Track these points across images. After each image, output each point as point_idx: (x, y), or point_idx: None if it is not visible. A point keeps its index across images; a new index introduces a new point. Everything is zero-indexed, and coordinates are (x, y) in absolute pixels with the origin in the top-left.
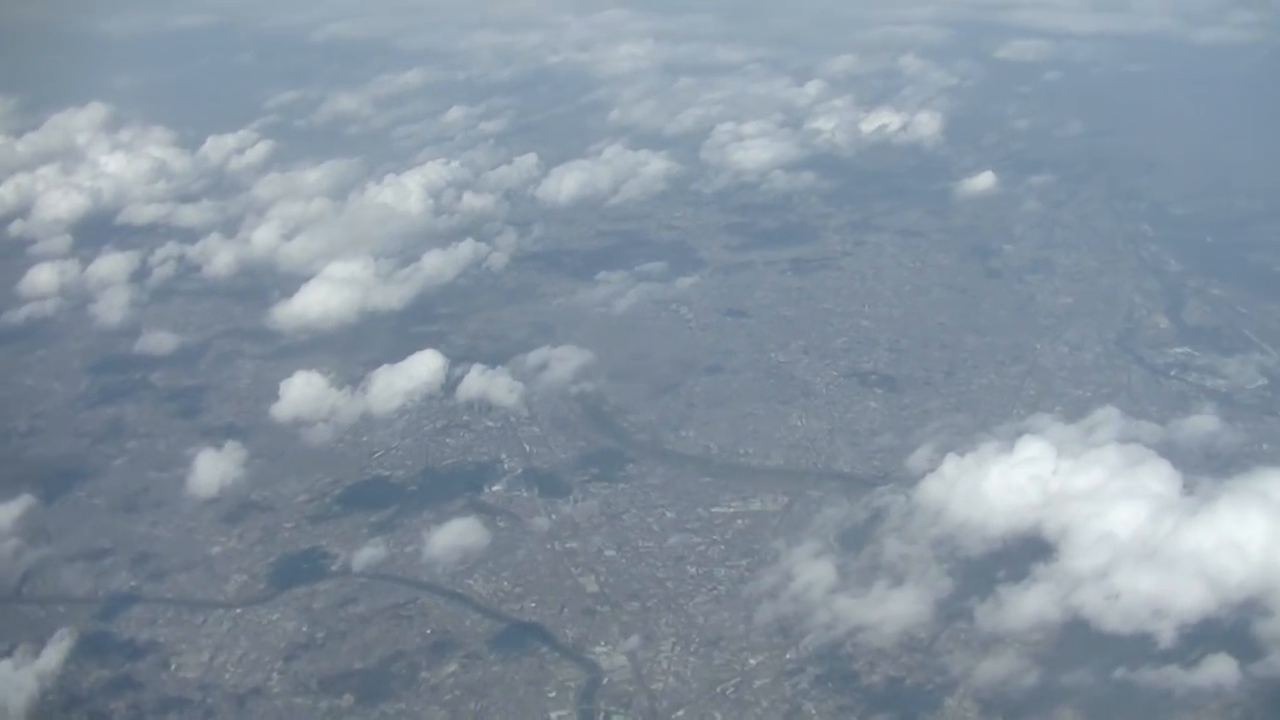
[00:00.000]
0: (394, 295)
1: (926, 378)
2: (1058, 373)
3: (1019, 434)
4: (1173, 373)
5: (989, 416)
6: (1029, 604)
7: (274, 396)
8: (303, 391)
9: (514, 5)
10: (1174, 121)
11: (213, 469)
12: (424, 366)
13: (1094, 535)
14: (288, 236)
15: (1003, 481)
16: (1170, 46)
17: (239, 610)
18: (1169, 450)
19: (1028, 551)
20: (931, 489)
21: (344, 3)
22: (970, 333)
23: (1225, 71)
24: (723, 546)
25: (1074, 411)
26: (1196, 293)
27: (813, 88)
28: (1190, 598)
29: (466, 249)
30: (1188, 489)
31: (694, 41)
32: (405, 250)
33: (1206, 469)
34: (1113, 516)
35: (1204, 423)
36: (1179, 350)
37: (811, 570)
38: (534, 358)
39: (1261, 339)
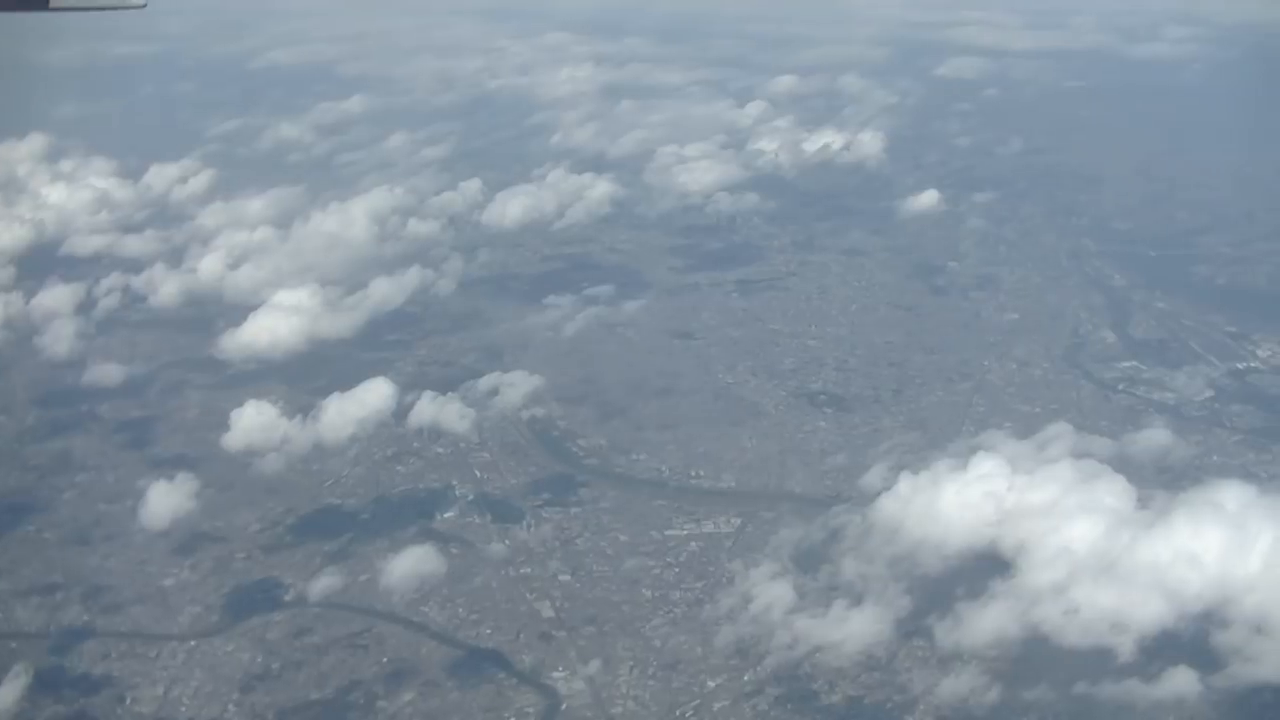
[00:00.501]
0: (343, 323)
1: (875, 396)
2: (1006, 389)
3: (972, 451)
4: (1121, 387)
5: (939, 434)
6: (988, 620)
7: (224, 426)
8: (253, 421)
9: (452, 30)
10: (1113, 137)
11: (164, 500)
12: (375, 394)
13: (1051, 551)
14: (234, 266)
15: (958, 499)
16: (1107, 62)
17: (194, 642)
18: (1122, 464)
19: (985, 568)
20: (887, 508)
21: (283, 30)
22: (918, 350)
23: (1162, 87)
24: (677, 569)
25: (1024, 428)
26: (1141, 307)
27: (754, 109)
28: (1149, 611)
29: (414, 275)
30: (1142, 503)
31: (634, 64)
32: (352, 278)
33: (1159, 482)
34: (1069, 532)
35: (1156, 436)
36: (1126, 364)
37: (768, 591)
38: (485, 383)
39: (1207, 351)
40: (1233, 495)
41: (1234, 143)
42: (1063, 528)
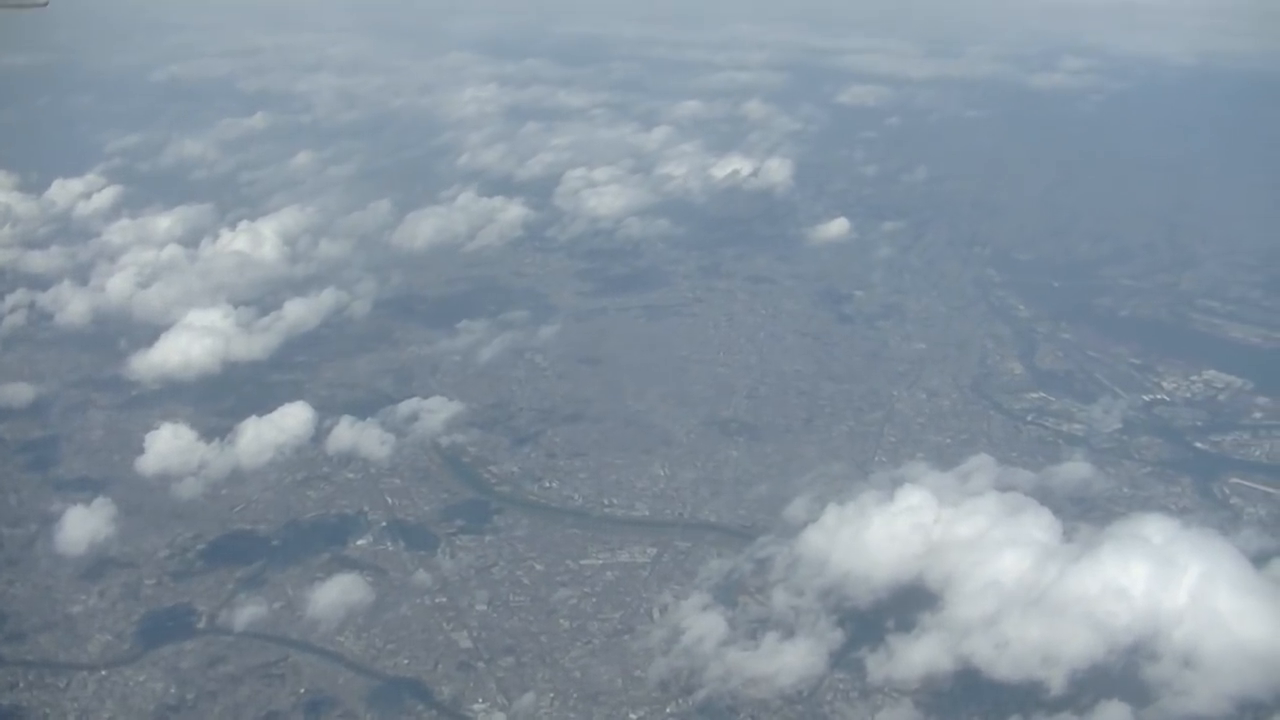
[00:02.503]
0: (256, 344)
1: (787, 425)
2: (916, 419)
3: (892, 483)
4: (1030, 418)
5: (854, 464)
6: (919, 653)
7: (133, 448)
8: (167, 444)
9: (350, 48)
10: (1014, 167)
11: (70, 524)
12: (293, 419)
13: (979, 583)
14: (143, 284)
15: (886, 531)
16: (1006, 92)
17: (104, 672)
18: (1042, 496)
19: (914, 601)
20: (814, 539)
21: (178, 43)
22: (827, 379)
23: (1061, 117)
24: (594, 599)
25: (937, 458)
26: (1047, 338)
27: (660, 133)
28: (1079, 644)
29: (329, 297)
30: (1067, 535)
31: (537, 85)
32: (264, 298)
33: (1075, 514)
34: (997, 564)
35: (1076, 469)
36: (1034, 395)
37: (697, 622)
38: (404, 409)
39: (1113, 383)
40: (1158, 528)
41: (1132, 174)
42: (990, 560)
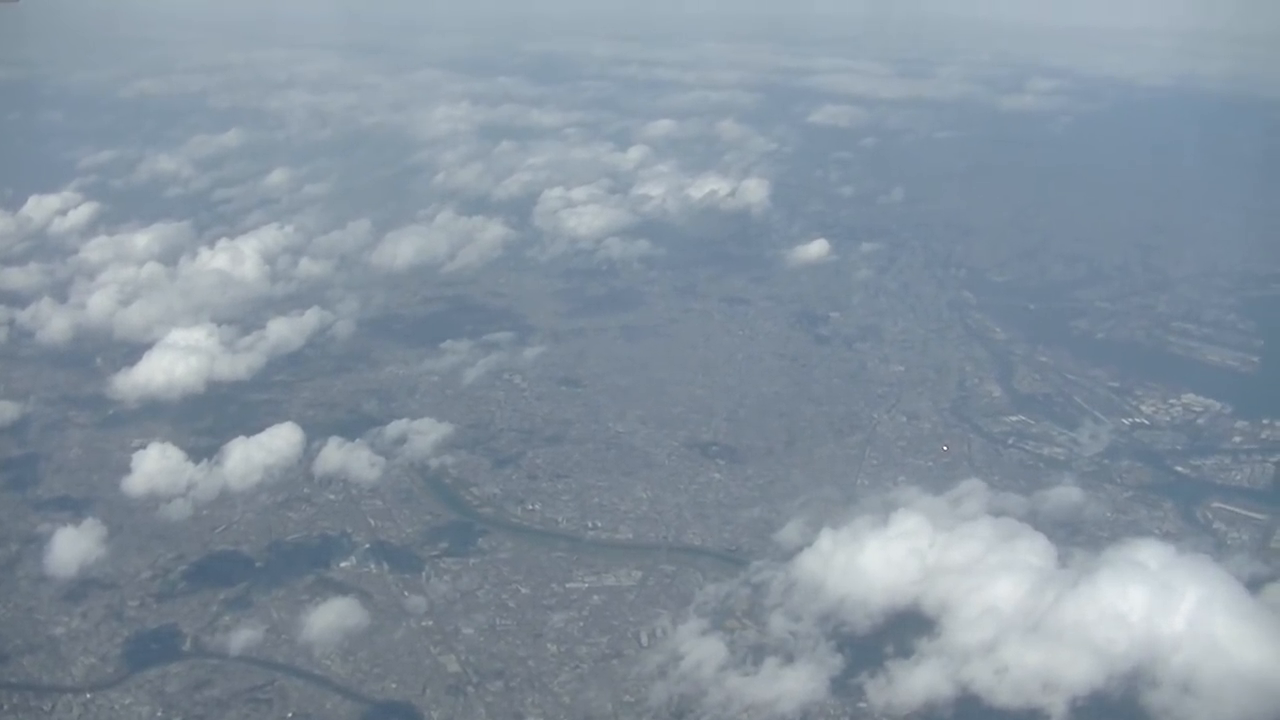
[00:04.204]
0: (240, 364)
1: (768, 448)
2: (897, 442)
3: (885, 507)
4: (1010, 441)
5: (836, 487)
6: (920, 680)
7: (112, 467)
8: (156, 464)
9: (319, 65)
10: (987, 188)
11: (63, 546)
12: (282, 440)
13: (977, 609)
14: (124, 302)
15: (882, 556)
16: (977, 113)
17: (89, 695)
18: (1032, 521)
19: (911, 626)
20: (809, 563)
21: (147, 59)
22: (806, 401)
23: (1031, 139)
24: (581, 623)
25: (918, 481)
26: (1024, 360)
27: (636, 153)
28: (1078, 670)
29: (312, 317)
30: (1062, 561)
31: (509, 104)
32: (246, 317)
33: (1058, 537)
34: (994, 590)
35: (1067, 494)
36: (1013, 419)
37: (690, 647)
38: (392, 430)
39: (1092, 406)
40: (1152, 554)
41: (1104, 196)
42: (987, 586)
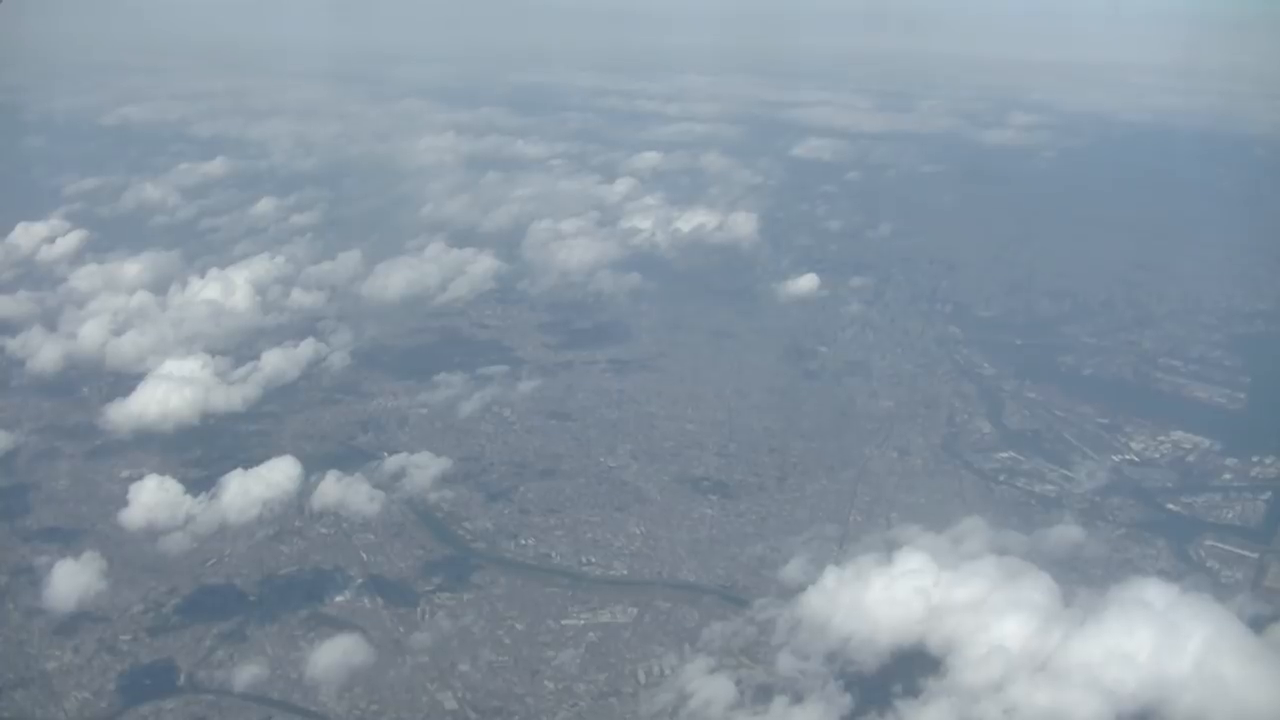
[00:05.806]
0: (235, 395)
1: (759, 483)
2: (888, 478)
3: (886, 545)
4: (1002, 478)
5: (830, 524)
6: (929, 719)
7: (101, 498)
8: (153, 496)
9: (302, 93)
10: (972, 223)
11: (61, 579)
12: (281, 473)
13: (984, 648)
14: (116, 331)
15: (887, 594)
16: (960, 147)
17: None
18: (1033, 560)
19: (918, 665)
20: (814, 602)
21: (130, 86)
22: (796, 437)
23: (1014, 173)
24: (578, 661)
25: (911, 518)
26: (1013, 396)
27: (623, 185)
28: (1087, 711)
29: (307, 348)
30: (1066, 600)
31: (494, 135)
32: (239, 348)
33: (1054, 574)
34: (1000, 629)
35: (1067, 532)
36: (1004, 455)
37: (697, 685)
38: (390, 464)
39: (1081, 442)
40: (1157, 593)
41: (1088, 230)
42: (994, 625)
